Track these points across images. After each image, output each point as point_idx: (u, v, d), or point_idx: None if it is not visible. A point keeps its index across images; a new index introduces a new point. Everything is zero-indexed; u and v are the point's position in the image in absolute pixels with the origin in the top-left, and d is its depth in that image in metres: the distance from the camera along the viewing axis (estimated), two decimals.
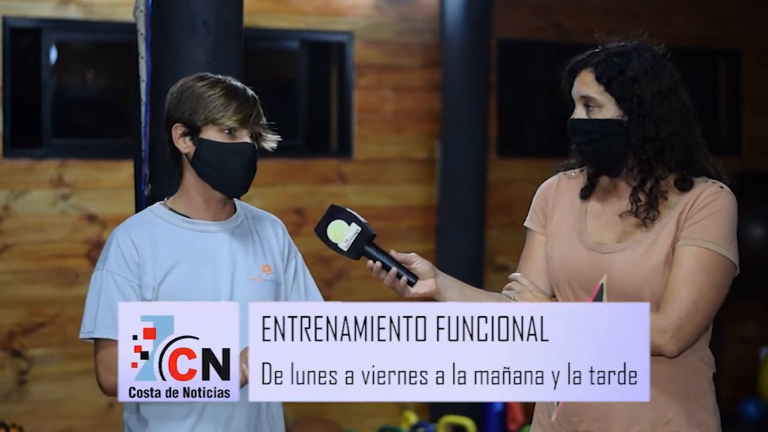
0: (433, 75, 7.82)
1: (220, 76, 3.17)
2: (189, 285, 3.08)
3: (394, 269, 2.97)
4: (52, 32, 6.81)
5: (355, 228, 2.99)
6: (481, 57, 7.63)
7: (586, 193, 3.07)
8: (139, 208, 3.74)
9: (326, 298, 8.15)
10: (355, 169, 7.62)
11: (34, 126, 6.82)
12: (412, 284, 2.98)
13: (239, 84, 3.17)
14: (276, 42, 7.64)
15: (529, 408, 7.42)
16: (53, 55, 6.86)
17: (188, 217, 3.19)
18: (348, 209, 3.02)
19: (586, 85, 2.97)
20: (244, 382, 2.61)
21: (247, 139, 3.13)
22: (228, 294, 3.15)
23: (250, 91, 3.17)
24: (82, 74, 7.42)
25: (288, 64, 7.76)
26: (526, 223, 3.16)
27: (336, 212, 3.01)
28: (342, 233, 3.00)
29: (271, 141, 3.20)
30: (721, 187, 2.93)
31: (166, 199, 3.26)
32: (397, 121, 7.78)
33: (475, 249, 7.62)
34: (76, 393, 6.77)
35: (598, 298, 2.96)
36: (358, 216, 3.01)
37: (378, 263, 2.98)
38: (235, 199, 3.29)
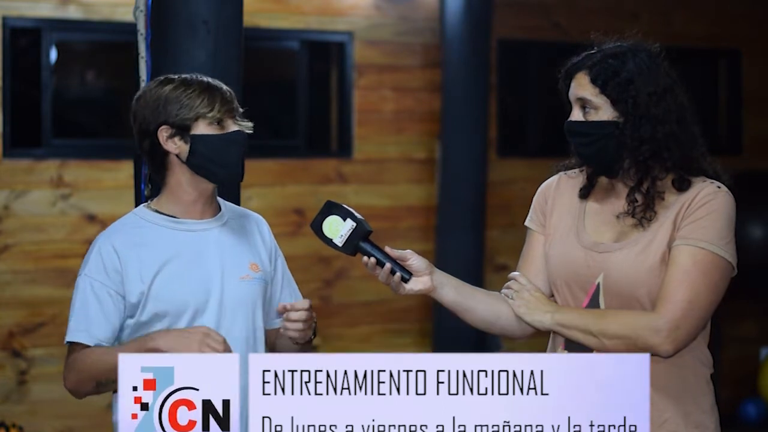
0: (433, 75, 7.82)
1: (185, 76, 3.19)
2: (179, 284, 3.08)
3: (388, 265, 2.99)
4: (52, 32, 6.81)
5: (350, 224, 3.01)
6: (481, 57, 7.63)
7: (585, 193, 3.07)
8: None
9: (326, 298, 8.15)
10: (355, 169, 7.62)
11: (34, 126, 6.82)
12: (406, 280, 3.00)
13: (208, 78, 3.20)
14: (276, 42, 7.64)
15: None
16: (53, 55, 6.86)
17: (175, 217, 3.19)
18: (344, 205, 3.04)
19: (581, 87, 2.97)
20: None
21: (236, 127, 3.16)
22: (218, 293, 3.16)
23: (222, 84, 3.20)
24: (82, 74, 7.42)
25: (288, 64, 7.76)
26: (526, 223, 3.17)
27: (332, 208, 3.03)
28: (337, 229, 3.02)
29: (246, 127, 3.22)
30: (719, 187, 2.92)
31: (149, 201, 3.26)
32: (397, 121, 7.78)
33: (475, 249, 7.62)
34: None
35: (595, 297, 2.97)
36: (354, 212, 3.03)
37: (372, 259, 3.00)
38: (219, 199, 3.30)
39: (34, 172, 6.74)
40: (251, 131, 3.23)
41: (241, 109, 3.22)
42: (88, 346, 3.09)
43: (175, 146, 3.15)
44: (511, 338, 3.22)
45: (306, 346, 3.28)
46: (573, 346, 2.99)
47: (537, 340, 3.29)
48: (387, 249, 3.02)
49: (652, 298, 2.88)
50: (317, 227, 3.04)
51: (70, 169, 6.80)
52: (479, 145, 7.65)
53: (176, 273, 3.11)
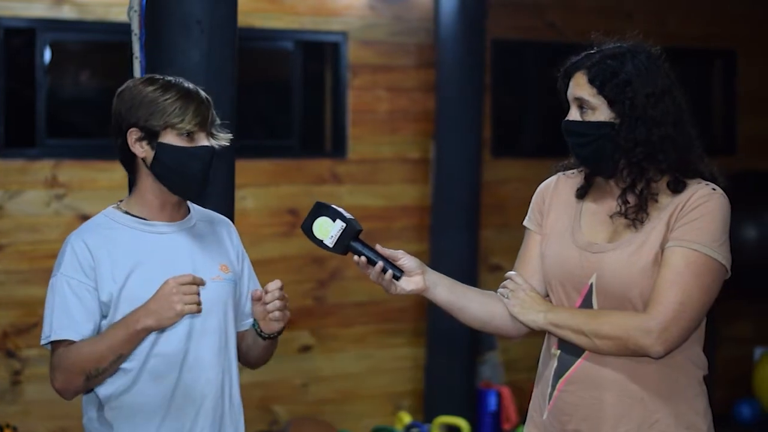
0: (427, 75, 7.81)
1: (170, 79, 3.16)
2: (152, 286, 3.05)
3: (379, 263, 2.99)
4: (46, 32, 6.80)
5: (339, 224, 3.02)
6: (476, 57, 7.63)
7: (581, 193, 3.08)
8: None
9: (320, 298, 8.13)
10: (350, 170, 7.62)
11: (28, 126, 6.81)
12: (398, 278, 3.00)
13: (191, 86, 3.16)
14: (270, 42, 7.63)
15: (523, 408, 7.43)
16: (47, 55, 6.85)
17: (144, 219, 3.18)
18: (333, 206, 3.05)
19: (579, 87, 2.97)
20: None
21: (206, 142, 3.14)
22: None
23: (203, 93, 3.16)
24: (77, 74, 7.41)
25: (282, 64, 7.75)
26: (524, 223, 3.18)
27: (321, 209, 3.05)
28: (327, 230, 3.03)
29: (223, 140, 3.20)
30: (714, 189, 2.92)
31: (119, 203, 3.25)
32: (392, 122, 7.78)
33: (469, 249, 7.62)
34: None
35: (588, 297, 2.97)
36: (343, 212, 3.04)
37: (363, 258, 3.01)
38: (188, 202, 3.29)
39: (28, 172, 6.73)
40: (226, 142, 3.20)
41: (218, 121, 3.19)
42: (73, 343, 3.08)
43: (142, 150, 3.13)
44: (506, 338, 3.23)
45: (274, 341, 3.28)
46: (566, 346, 2.99)
47: (532, 339, 3.30)
48: (378, 247, 3.03)
49: (645, 299, 2.88)
50: (307, 229, 3.05)
51: (65, 169, 6.79)
52: (473, 145, 7.65)
53: (149, 275, 3.10)
